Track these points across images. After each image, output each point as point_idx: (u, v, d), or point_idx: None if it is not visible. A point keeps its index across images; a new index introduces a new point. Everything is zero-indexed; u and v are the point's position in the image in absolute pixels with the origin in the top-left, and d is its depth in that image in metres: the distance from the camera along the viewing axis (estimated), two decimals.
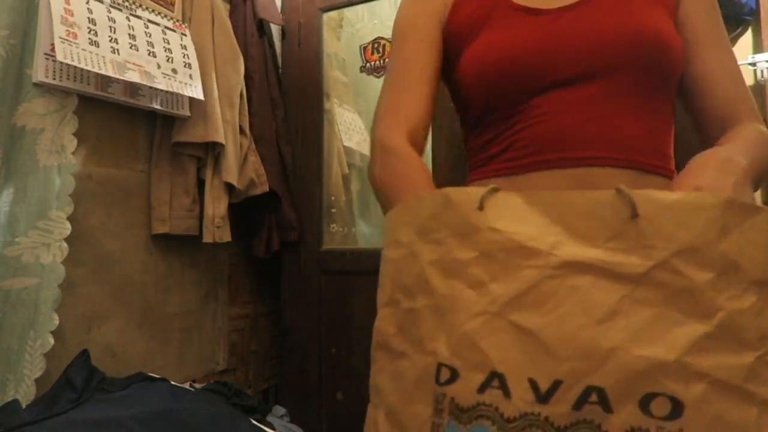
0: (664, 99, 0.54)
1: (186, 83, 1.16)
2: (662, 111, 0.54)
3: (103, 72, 0.98)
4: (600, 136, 0.51)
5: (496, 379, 0.30)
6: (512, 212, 0.32)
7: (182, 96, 1.18)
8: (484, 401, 0.30)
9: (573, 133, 0.51)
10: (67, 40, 0.93)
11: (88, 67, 0.96)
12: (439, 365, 0.32)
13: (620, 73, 0.51)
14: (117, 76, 1.01)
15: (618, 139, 0.51)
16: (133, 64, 1.05)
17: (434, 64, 0.61)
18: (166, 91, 1.14)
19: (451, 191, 0.35)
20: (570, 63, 0.52)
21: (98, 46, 0.99)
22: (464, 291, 0.32)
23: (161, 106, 1.16)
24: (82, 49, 0.96)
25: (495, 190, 0.33)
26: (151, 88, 1.11)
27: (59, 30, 0.92)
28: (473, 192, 0.34)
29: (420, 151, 0.60)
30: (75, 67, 0.98)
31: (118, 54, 1.03)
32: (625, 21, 0.51)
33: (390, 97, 0.61)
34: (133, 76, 1.04)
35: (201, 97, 1.18)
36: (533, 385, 0.29)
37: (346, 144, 1.71)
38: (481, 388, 0.30)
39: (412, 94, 0.59)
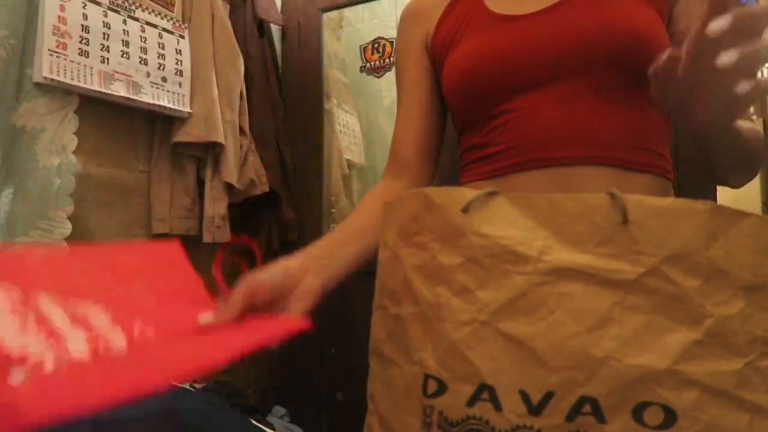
0: (647, 94, 0.53)
1: (174, 92, 1.16)
2: (645, 106, 0.53)
3: (88, 86, 0.99)
4: (579, 134, 0.51)
5: (485, 391, 0.29)
6: (498, 215, 0.31)
7: (178, 99, 1.18)
8: (474, 414, 0.29)
9: (553, 132, 0.51)
10: (56, 51, 0.94)
11: (74, 82, 0.96)
12: (426, 377, 0.31)
13: (596, 71, 0.51)
14: (103, 90, 1.02)
15: (597, 137, 0.51)
16: (122, 74, 1.06)
17: (426, 113, 0.65)
18: (164, 92, 1.14)
19: (432, 192, 0.34)
20: (545, 63, 0.52)
21: (88, 56, 1.00)
22: (450, 299, 0.31)
23: (161, 107, 1.16)
24: (71, 61, 0.96)
25: (490, 194, 0.32)
26: (152, 85, 1.11)
27: (49, 42, 0.93)
28: (456, 193, 0.32)
29: (423, 174, 0.67)
30: (75, 66, 0.98)
31: (108, 63, 1.03)
32: (597, 18, 0.51)
33: (391, 147, 0.68)
34: (119, 88, 1.05)
35: (188, 109, 1.19)
36: (524, 396, 0.29)
37: (347, 157, 1.72)
38: (471, 401, 0.29)
39: (409, 146, 0.66)
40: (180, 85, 1.18)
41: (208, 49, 1.25)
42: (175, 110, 1.17)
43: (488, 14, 0.57)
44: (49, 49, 0.93)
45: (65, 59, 0.96)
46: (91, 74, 1.00)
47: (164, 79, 1.14)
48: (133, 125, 1.17)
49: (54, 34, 0.94)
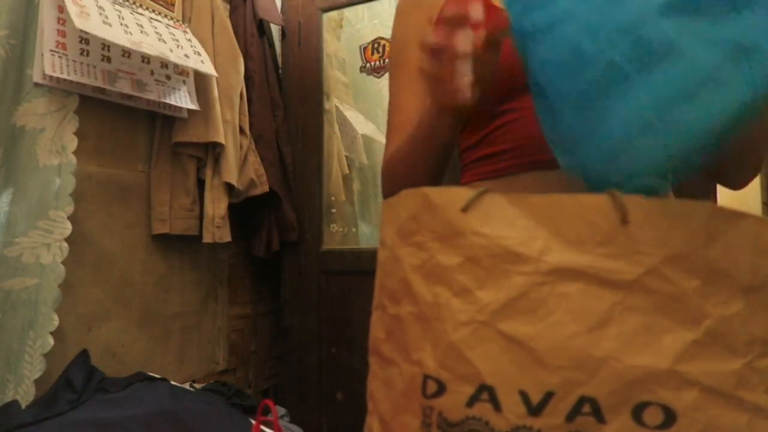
0: None
1: (179, 90, 1.17)
2: None
3: (92, 83, 0.99)
4: None
5: (485, 392, 0.29)
6: (498, 215, 0.31)
7: (182, 96, 1.18)
8: (473, 415, 0.29)
9: None
10: (56, 51, 0.94)
11: (77, 79, 0.96)
12: (425, 377, 0.31)
13: None
14: (107, 87, 1.02)
15: None
16: (125, 72, 1.06)
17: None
18: (168, 89, 1.14)
19: (432, 191, 0.33)
20: None
21: (88, 56, 1.00)
22: (450, 299, 0.31)
23: (161, 107, 1.16)
24: (72, 60, 0.96)
25: (484, 192, 0.32)
26: (156, 82, 1.11)
27: (49, 42, 0.93)
28: (455, 193, 0.32)
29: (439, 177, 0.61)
30: (77, 65, 0.98)
31: (110, 62, 1.03)
32: None
33: (392, 145, 0.62)
34: (124, 86, 1.05)
35: (195, 107, 1.18)
36: (524, 397, 0.29)
37: (362, 132, 1.73)
38: (470, 402, 0.29)
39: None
40: (184, 82, 1.18)
41: (208, 50, 1.25)
42: (180, 108, 1.17)
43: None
44: (50, 50, 0.93)
45: (67, 59, 0.96)
46: (95, 72, 1.00)
47: (168, 77, 1.15)
48: (133, 125, 1.17)
49: (56, 34, 0.94)
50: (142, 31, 1.06)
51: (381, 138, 1.82)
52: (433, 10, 0.62)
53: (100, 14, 0.98)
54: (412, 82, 0.62)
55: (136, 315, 1.16)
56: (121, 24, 1.02)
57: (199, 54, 1.17)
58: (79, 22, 0.90)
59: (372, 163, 1.86)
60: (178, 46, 1.13)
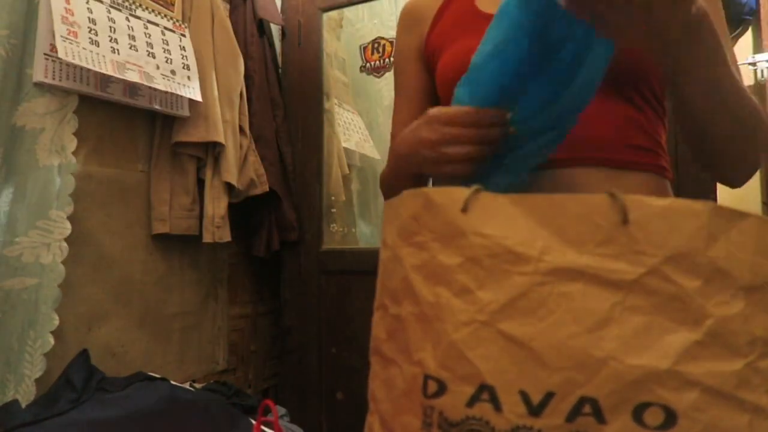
0: (640, 92, 0.53)
1: (184, 84, 1.16)
2: (639, 104, 0.53)
3: (103, 71, 0.98)
4: (573, 136, 0.51)
5: (486, 392, 0.29)
6: (498, 215, 0.31)
7: (189, 89, 1.18)
8: (474, 415, 0.29)
9: None
10: (68, 38, 0.94)
11: (89, 66, 0.96)
12: (426, 377, 0.31)
13: None
14: (118, 75, 1.01)
15: (590, 138, 0.51)
16: (133, 64, 1.06)
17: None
18: (166, 91, 1.14)
19: (432, 191, 0.34)
20: None
21: (98, 46, 1.00)
22: (450, 299, 0.31)
23: (161, 105, 1.16)
24: (83, 48, 0.96)
25: (478, 190, 0.32)
26: (150, 87, 1.11)
27: (60, 29, 0.92)
28: (456, 193, 0.32)
29: None
30: (75, 67, 0.98)
31: (118, 54, 1.03)
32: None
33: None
34: (132, 76, 1.04)
35: (199, 98, 1.18)
36: (525, 397, 0.29)
37: (344, 145, 1.71)
38: (471, 402, 0.29)
39: None
40: (189, 78, 1.18)
41: (208, 49, 1.25)
42: (182, 107, 1.17)
43: (479, 15, 0.58)
44: (61, 36, 0.92)
45: (78, 45, 0.95)
46: (105, 62, 1.00)
47: (173, 72, 1.14)
48: (133, 125, 1.17)
49: (64, 23, 0.94)
50: (131, 45, 1.06)
51: (365, 150, 1.80)
52: (424, 27, 0.64)
53: (89, 29, 0.98)
54: (404, 102, 0.67)
55: (136, 315, 1.16)
56: (110, 39, 1.02)
57: (188, 68, 1.17)
58: (62, 49, 0.91)
59: (372, 163, 1.86)
60: (166, 60, 1.13)
